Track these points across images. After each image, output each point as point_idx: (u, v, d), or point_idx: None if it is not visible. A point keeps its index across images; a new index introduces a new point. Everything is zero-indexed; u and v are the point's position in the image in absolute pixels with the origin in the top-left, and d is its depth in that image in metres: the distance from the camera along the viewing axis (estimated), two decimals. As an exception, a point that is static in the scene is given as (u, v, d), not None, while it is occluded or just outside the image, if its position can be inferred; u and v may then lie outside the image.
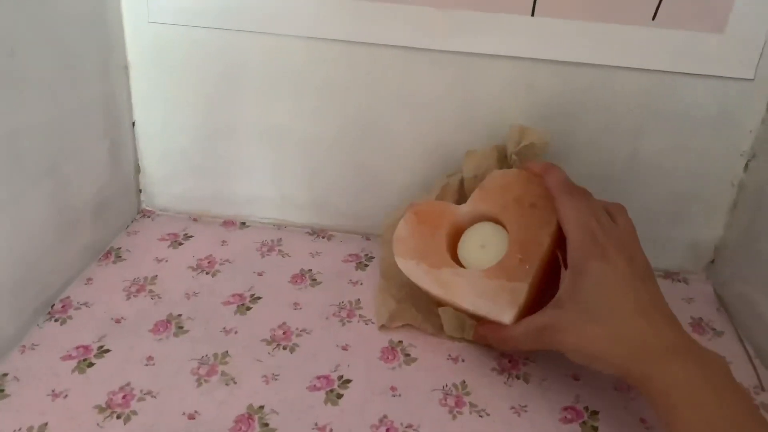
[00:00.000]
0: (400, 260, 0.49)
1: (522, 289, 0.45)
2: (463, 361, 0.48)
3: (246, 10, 0.53)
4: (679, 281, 0.60)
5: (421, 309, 0.51)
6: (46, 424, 0.40)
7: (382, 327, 0.50)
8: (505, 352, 0.48)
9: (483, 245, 0.48)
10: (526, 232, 0.47)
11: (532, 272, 0.45)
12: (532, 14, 0.51)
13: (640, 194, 0.57)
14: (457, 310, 0.48)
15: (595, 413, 0.44)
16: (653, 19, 0.50)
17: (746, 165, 0.56)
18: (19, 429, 0.39)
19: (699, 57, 0.51)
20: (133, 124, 0.60)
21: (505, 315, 0.44)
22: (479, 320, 0.48)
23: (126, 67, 0.57)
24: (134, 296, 0.52)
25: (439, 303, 0.49)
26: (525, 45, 0.52)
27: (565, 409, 0.44)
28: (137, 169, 0.62)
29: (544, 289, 0.46)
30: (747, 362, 0.50)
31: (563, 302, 0.42)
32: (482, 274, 0.46)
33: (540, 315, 0.43)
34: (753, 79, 0.52)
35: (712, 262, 0.60)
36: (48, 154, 0.47)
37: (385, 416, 0.42)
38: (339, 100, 0.57)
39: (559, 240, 0.46)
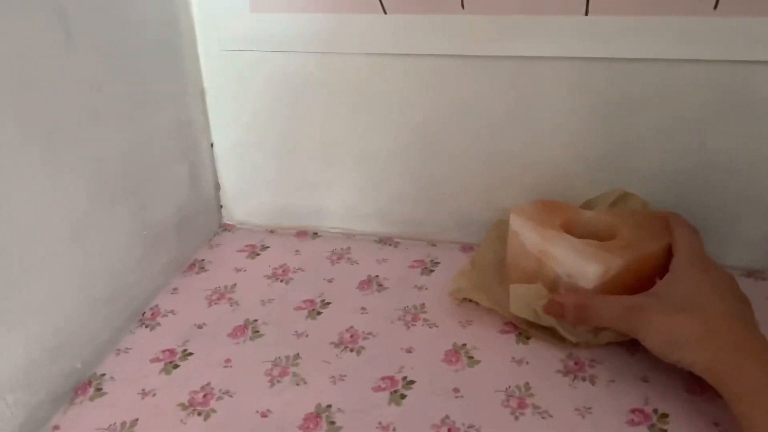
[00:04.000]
0: (513, 217, 0.52)
1: (616, 261, 0.46)
2: (527, 363, 0.48)
3: (309, 34, 0.56)
4: (763, 279, 0.57)
5: (491, 293, 0.52)
6: (136, 420, 0.44)
7: (451, 296, 0.53)
8: (575, 323, 0.47)
9: None
10: (637, 235, 0.49)
11: (632, 255, 0.47)
12: (586, 14, 0.51)
13: (712, 189, 0.55)
14: (542, 271, 0.49)
15: (664, 416, 0.43)
16: (715, 8, 0.49)
17: (830, 154, 0.52)
18: (114, 423, 0.43)
19: (765, 43, 0.49)
20: (212, 145, 0.64)
21: (591, 269, 0.46)
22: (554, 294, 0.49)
23: (202, 93, 0.62)
24: (215, 304, 0.56)
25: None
26: (580, 45, 0.52)
27: (633, 411, 0.43)
28: (217, 187, 0.66)
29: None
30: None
31: (658, 292, 0.44)
32: (584, 241, 0.49)
33: (630, 297, 0.45)
34: (832, 63, 0.49)
35: (796, 260, 0.57)
36: (130, 177, 0.52)
37: (447, 416, 0.43)
38: (397, 113, 0.59)
39: (662, 265, 0.48)
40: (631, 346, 0.48)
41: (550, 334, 0.49)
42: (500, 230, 0.58)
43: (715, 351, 0.39)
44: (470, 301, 0.53)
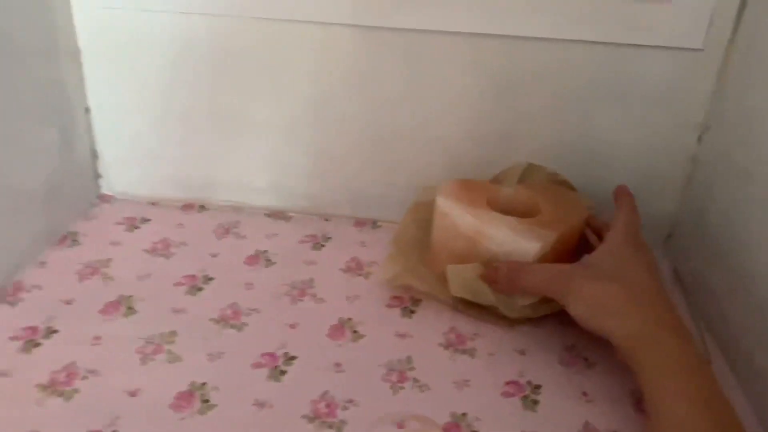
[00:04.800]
0: (440, 198, 0.51)
1: (551, 236, 0.47)
2: (411, 337, 0.48)
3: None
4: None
5: (423, 277, 0.51)
6: (-14, 403, 0.40)
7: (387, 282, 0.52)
8: (508, 290, 0.48)
9: None
10: (558, 210, 0.51)
11: (561, 230, 0.49)
12: (477, -11, 0.51)
13: (594, 169, 0.57)
14: (476, 250, 0.49)
15: (537, 387, 0.44)
16: (599, -9, 0.50)
17: (699, 138, 0.55)
18: (-42, 409, 0.39)
19: (648, 28, 0.51)
20: (87, 109, 0.60)
21: (530, 246, 0.47)
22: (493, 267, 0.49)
23: (77, 53, 0.57)
24: (87, 279, 0.52)
25: (444, 277, 0.50)
26: (472, 20, 0.52)
27: (508, 383, 0.45)
28: (94, 155, 0.62)
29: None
30: (697, 335, 0.50)
31: (589, 261, 0.45)
32: (516, 219, 0.49)
33: (562, 264, 0.46)
34: (702, 49, 0.52)
35: (669, 236, 0.60)
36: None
37: (326, 392, 0.43)
38: (289, 82, 0.57)
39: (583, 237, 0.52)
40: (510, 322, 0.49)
41: (489, 312, 0.50)
42: (418, 213, 0.57)
43: (637, 322, 0.40)
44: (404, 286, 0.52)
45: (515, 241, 0.48)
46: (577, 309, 0.43)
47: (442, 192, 0.52)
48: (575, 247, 0.52)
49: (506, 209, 0.51)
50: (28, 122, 0.52)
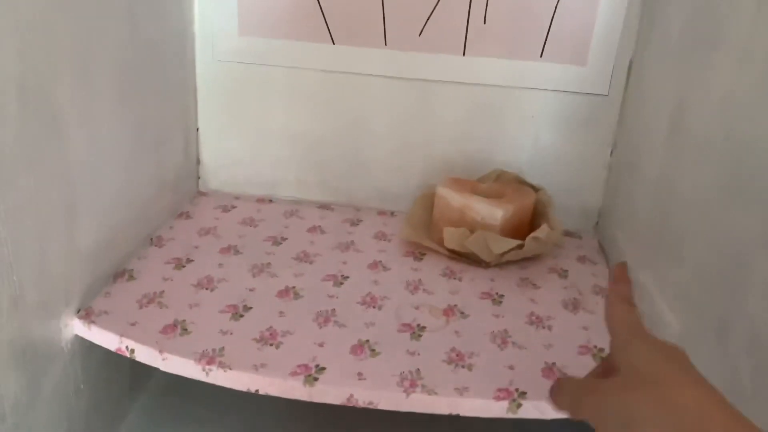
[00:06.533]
0: (439, 188, 0.78)
1: (511, 206, 0.74)
2: (420, 270, 0.74)
3: (272, 51, 0.82)
4: (576, 237, 0.87)
5: (428, 238, 0.78)
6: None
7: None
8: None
9: None
10: (516, 195, 0.78)
11: (516, 205, 0.75)
12: (464, 54, 0.80)
13: (545, 174, 0.85)
14: (463, 220, 0.75)
15: (501, 295, 0.70)
16: (541, 56, 0.79)
17: (611, 152, 0.83)
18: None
19: (572, 81, 0.80)
20: (197, 129, 0.87)
21: (497, 212, 0.73)
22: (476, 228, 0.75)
23: (195, 90, 0.85)
24: (204, 236, 0.78)
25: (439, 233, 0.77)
26: (463, 74, 0.81)
27: (483, 293, 0.70)
28: (198, 161, 0.89)
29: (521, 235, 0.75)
30: (608, 273, 0.76)
31: (608, 371, 0.42)
32: (488, 199, 0.75)
33: (584, 379, 0.43)
34: (607, 95, 0.80)
35: (597, 222, 0.87)
36: (155, 141, 0.74)
37: (369, 293, 0.68)
38: (339, 112, 0.85)
39: (533, 212, 0.78)
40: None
41: (472, 258, 0.75)
42: (424, 202, 0.83)
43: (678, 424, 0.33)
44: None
45: (489, 209, 0.74)
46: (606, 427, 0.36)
47: (441, 184, 0.79)
48: (530, 220, 0.78)
49: (484, 195, 0.78)
50: (171, 130, 0.79)
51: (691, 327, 0.57)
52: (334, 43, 0.80)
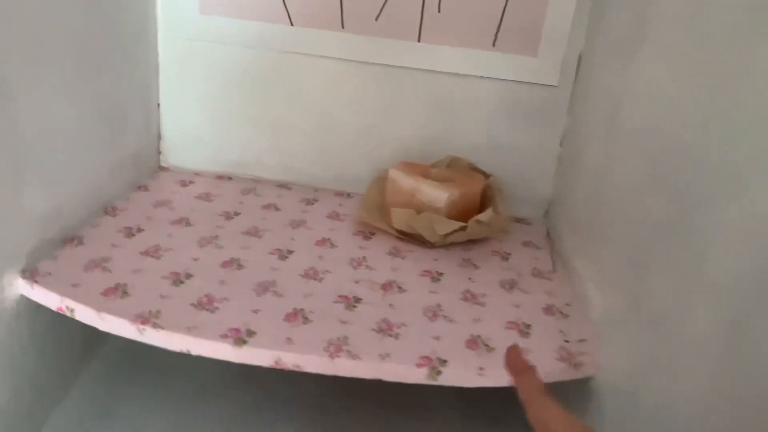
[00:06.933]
0: (392, 170, 0.80)
1: (456, 191, 0.77)
2: (368, 248, 0.76)
3: (232, 31, 0.84)
4: (526, 224, 0.89)
5: (378, 218, 0.80)
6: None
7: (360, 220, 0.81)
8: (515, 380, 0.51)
9: None
10: (465, 180, 0.80)
11: (463, 189, 0.78)
12: (419, 41, 0.82)
13: (497, 162, 0.87)
14: (413, 202, 0.78)
15: (441, 273, 0.72)
16: (493, 46, 0.81)
17: (561, 143, 0.86)
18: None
19: (523, 71, 0.82)
20: (158, 105, 0.89)
21: (443, 195, 0.76)
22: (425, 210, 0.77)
23: (157, 68, 0.87)
24: (159, 207, 0.80)
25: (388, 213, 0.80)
26: (422, 61, 0.83)
27: (424, 271, 0.72)
28: (159, 136, 0.90)
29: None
30: (549, 257, 0.79)
31: None
32: (437, 182, 0.78)
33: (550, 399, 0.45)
34: (557, 86, 0.83)
35: (547, 211, 0.90)
36: (112, 115, 0.76)
37: (311, 267, 0.70)
38: (305, 96, 0.87)
39: (480, 197, 0.81)
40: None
41: (417, 239, 0.77)
42: (378, 185, 0.86)
43: None
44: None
45: (435, 192, 0.77)
46: None
47: (394, 168, 0.81)
48: (479, 205, 0.81)
49: (435, 180, 0.80)
50: (132, 106, 0.81)
51: (609, 305, 0.60)
52: (292, 25, 0.82)
